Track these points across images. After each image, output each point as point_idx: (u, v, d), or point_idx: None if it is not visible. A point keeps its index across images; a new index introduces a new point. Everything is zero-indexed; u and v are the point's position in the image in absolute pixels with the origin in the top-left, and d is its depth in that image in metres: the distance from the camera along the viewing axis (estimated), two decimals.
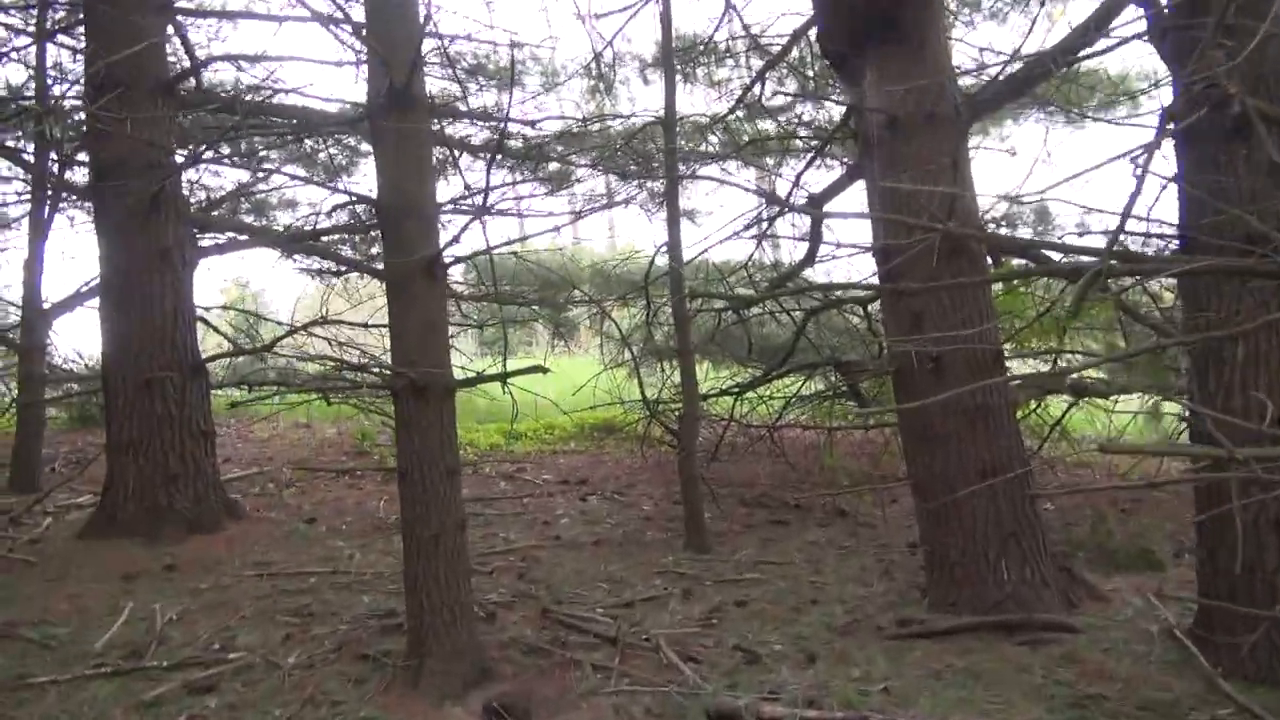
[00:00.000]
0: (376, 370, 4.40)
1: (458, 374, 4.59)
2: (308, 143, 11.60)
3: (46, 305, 9.17)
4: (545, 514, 7.33)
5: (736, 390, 7.99)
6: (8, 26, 9.38)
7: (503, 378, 4.41)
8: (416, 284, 4.19)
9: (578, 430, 10.99)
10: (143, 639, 4.60)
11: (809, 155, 8.02)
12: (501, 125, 8.60)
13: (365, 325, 6.50)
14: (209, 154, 7.09)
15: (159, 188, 6.48)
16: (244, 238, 7.34)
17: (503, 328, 5.94)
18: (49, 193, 8.94)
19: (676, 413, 7.81)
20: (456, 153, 9.41)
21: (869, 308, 7.11)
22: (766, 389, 8.35)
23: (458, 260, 4.45)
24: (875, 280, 5.54)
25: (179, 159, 6.97)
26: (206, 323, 7.87)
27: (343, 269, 8.29)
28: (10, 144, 9.53)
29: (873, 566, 5.92)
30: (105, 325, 6.62)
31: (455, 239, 4.43)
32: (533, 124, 8.22)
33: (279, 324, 7.50)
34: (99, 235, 6.68)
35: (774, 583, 5.58)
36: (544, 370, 4.60)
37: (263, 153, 11.44)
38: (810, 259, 6.74)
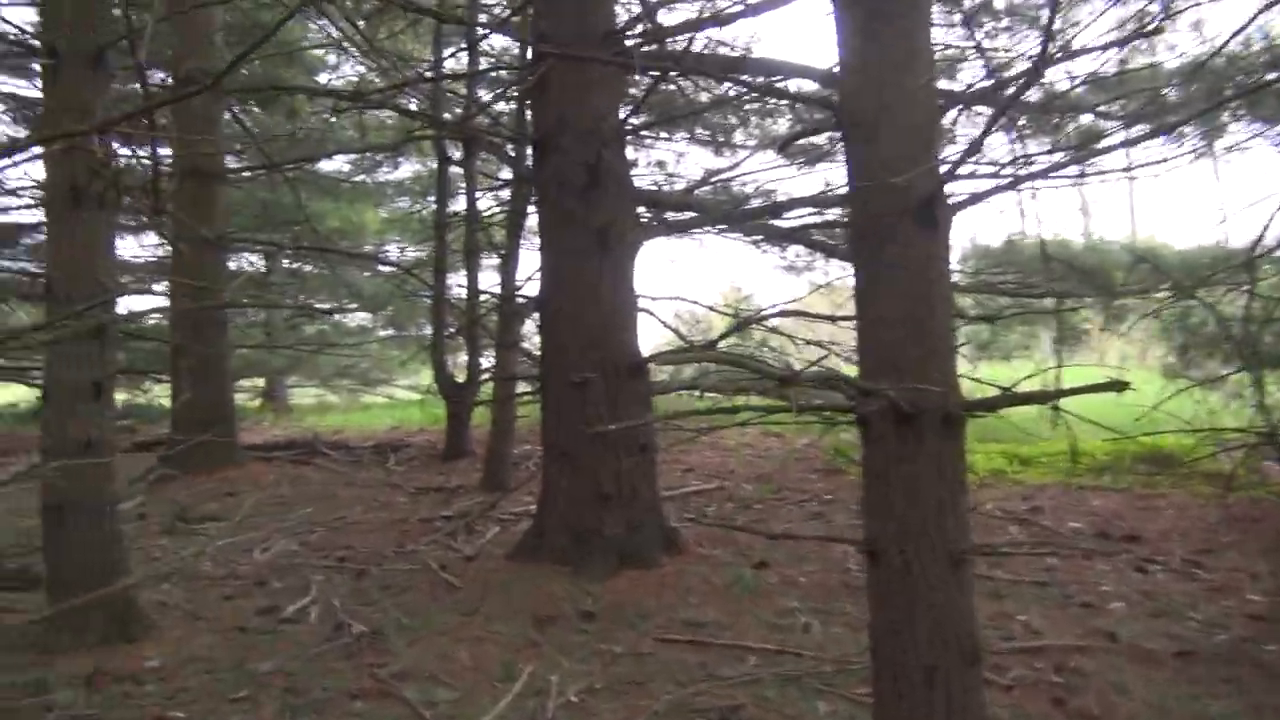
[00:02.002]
0: (835, 382, 2.72)
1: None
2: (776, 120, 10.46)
3: (520, 300, 9.06)
4: (1084, 588, 5.09)
5: None
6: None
7: (1055, 396, 2.50)
8: (902, 233, 2.45)
9: (1112, 460, 8.32)
10: None
11: None
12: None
13: (832, 318, 4.94)
14: (646, 118, 5.99)
15: (596, 158, 5.51)
16: (688, 215, 6.17)
17: (1058, 319, 3.89)
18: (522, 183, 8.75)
19: None
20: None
21: None
22: None
23: (974, 199, 2.62)
24: None
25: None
26: (654, 315, 6.88)
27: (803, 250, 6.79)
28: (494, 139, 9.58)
29: None
30: (541, 317, 5.85)
31: (962, 161, 2.60)
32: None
33: (730, 316, 6.28)
34: (539, 217, 5.94)
35: None
36: (1123, 386, 2.59)
37: (734, 133, 10.56)
38: None
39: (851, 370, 3.18)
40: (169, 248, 11.94)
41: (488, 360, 10.33)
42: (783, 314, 5.15)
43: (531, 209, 9.02)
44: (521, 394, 8.71)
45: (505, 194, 10.90)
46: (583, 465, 5.43)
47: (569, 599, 4.84)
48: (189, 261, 8.64)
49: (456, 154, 10.33)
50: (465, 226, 10.28)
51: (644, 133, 10.32)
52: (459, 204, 10.66)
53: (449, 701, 3.71)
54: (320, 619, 4.68)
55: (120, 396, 16.30)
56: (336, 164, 16.26)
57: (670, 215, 6.41)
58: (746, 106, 10.08)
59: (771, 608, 4.80)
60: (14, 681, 3.65)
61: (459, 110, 10.41)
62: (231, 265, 15.92)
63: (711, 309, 6.80)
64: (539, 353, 6.52)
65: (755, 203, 9.48)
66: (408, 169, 16.35)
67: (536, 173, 6.00)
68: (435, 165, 11.06)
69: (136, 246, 16.56)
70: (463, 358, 11.14)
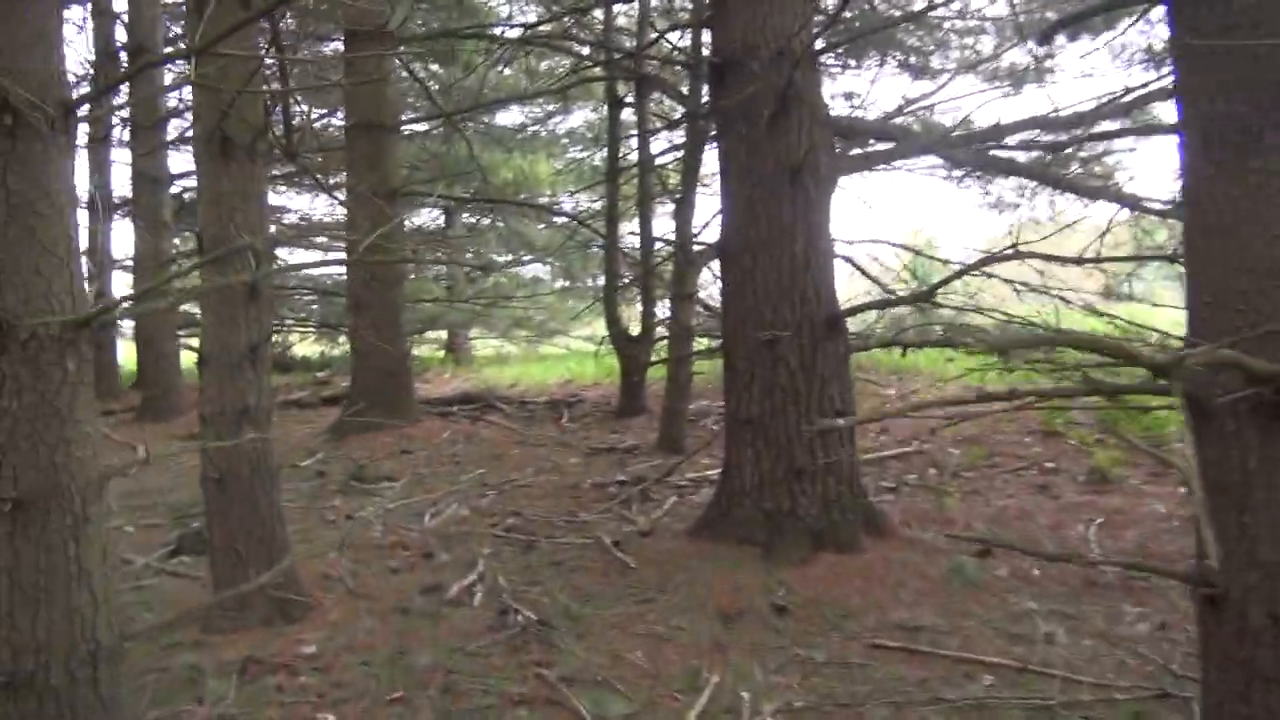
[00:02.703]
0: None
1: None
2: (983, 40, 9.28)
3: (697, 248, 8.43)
4: None
5: None
6: None
7: None
8: None
9: None
10: None
11: None
12: None
13: (1079, 260, 4.04)
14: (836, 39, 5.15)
15: (786, 81, 4.76)
16: (886, 146, 5.30)
17: None
18: (699, 122, 8.06)
19: None
20: None
21: None
22: None
23: None
24: None
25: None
26: (853, 263, 6.10)
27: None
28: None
29: None
30: (723, 265, 5.20)
31: None
32: None
33: (947, 263, 5.39)
34: (720, 151, 5.26)
35: None
36: None
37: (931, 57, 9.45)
38: None
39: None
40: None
41: (663, 311, 9.79)
42: (1017, 255, 4.23)
43: (709, 148, 8.33)
44: (698, 351, 8.13)
45: (679, 137, 10.28)
46: (772, 434, 4.78)
47: (759, 589, 4.23)
48: (361, 216, 8.50)
49: (628, 98, 9.76)
50: (638, 171, 9.72)
51: (831, 60, 9.40)
52: (632, 151, 10.11)
53: (624, 716, 3.21)
54: (485, 600, 4.29)
55: (317, 348, 16.96)
56: (510, 116, 16.09)
57: (864, 149, 5.57)
58: (946, 24, 9.02)
59: (1002, 609, 4.03)
60: (167, 666, 3.44)
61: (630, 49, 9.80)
62: (413, 222, 16.19)
63: (919, 253, 5.90)
64: (719, 304, 5.90)
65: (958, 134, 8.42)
66: (579, 117, 15.98)
67: (716, 101, 5.32)
68: (606, 111, 10.55)
69: (327, 204, 17.12)
70: (638, 309, 10.68)
